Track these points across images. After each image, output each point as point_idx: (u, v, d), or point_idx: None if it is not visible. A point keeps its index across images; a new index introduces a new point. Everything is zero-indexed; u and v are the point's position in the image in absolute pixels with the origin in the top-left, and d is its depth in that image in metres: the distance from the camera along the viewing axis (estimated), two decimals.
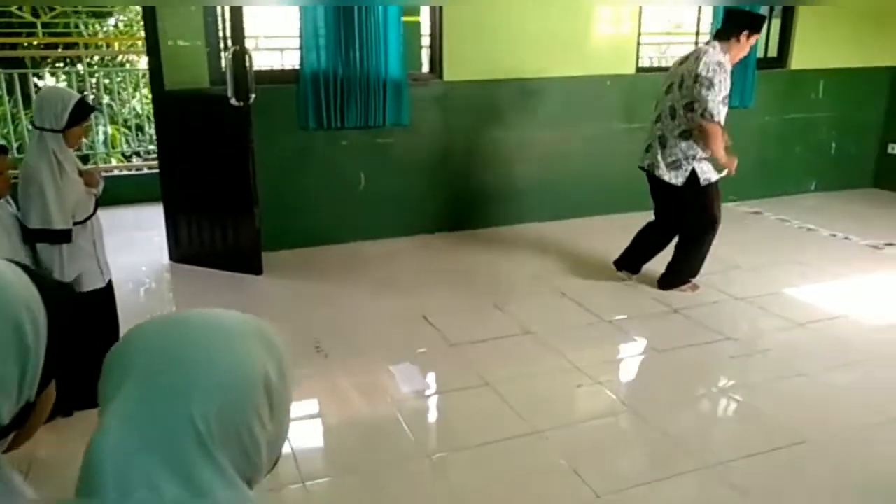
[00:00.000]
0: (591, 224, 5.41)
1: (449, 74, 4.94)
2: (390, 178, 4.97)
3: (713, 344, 3.42)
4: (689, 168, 3.77)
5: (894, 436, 2.59)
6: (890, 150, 6.44)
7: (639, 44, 5.44)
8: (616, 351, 3.33)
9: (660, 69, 5.69)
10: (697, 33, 5.81)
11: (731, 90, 3.69)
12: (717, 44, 3.72)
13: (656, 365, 3.23)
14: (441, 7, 4.82)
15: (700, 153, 3.77)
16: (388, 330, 3.56)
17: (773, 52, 6.04)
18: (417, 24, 5.18)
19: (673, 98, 3.78)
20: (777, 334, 3.51)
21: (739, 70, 5.59)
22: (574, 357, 3.20)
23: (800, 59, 6.02)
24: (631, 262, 4.21)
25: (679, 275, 4.03)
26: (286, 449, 2.53)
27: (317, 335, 3.44)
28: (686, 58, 3.83)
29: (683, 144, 3.75)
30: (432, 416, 2.81)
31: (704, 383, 3.00)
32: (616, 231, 5.15)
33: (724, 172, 3.88)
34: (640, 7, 5.35)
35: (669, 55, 7.52)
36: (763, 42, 5.96)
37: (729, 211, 5.82)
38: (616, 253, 4.23)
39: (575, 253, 4.71)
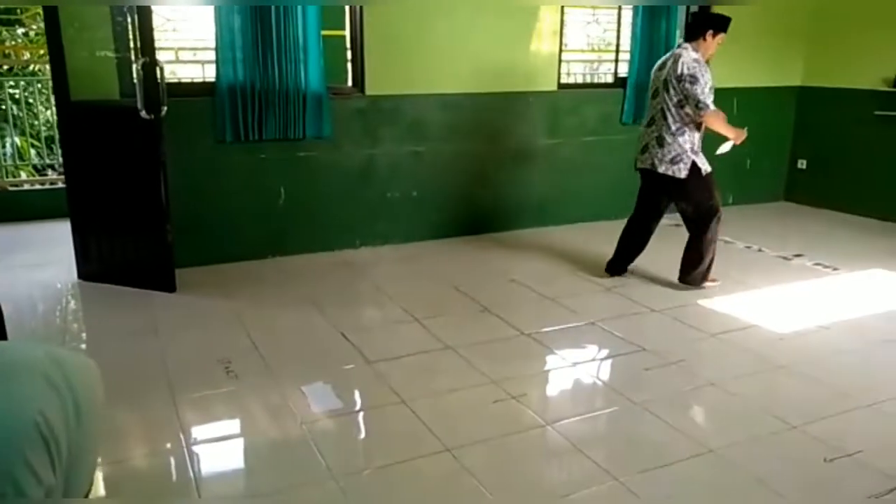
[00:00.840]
0: (514, 238, 5.45)
1: (371, 88, 4.90)
2: (312, 191, 4.88)
3: (630, 356, 3.46)
4: (690, 161, 4.07)
5: (794, 444, 2.65)
6: (799, 165, 6.73)
7: (560, 61, 5.53)
8: (534, 365, 3.33)
9: (583, 85, 5.81)
10: (617, 50, 5.95)
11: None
12: (688, 45, 4.07)
13: (574, 378, 3.24)
14: (362, 22, 4.79)
15: (696, 146, 4.11)
16: (305, 348, 3.47)
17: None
18: (342, 38, 5.14)
19: (661, 101, 4.10)
20: (691, 345, 3.58)
21: None
22: (492, 372, 3.18)
23: (715, 78, 6.21)
24: (622, 264, 4.52)
25: (701, 269, 4.30)
26: (187, 472, 2.42)
27: (228, 355, 3.32)
28: (664, 63, 4.16)
29: (681, 139, 4.06)
30: (343, 437, 2.73)
31: (619, 395, 3.02)
32: (541, 245, 5.24)
33: (729, 145, 4.23)
34: (562, 24, 5.45)
35: (601, 71, 7.68)
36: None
37: None
38: (532, 271, 4.28)
39: (495, 269, 4.72)
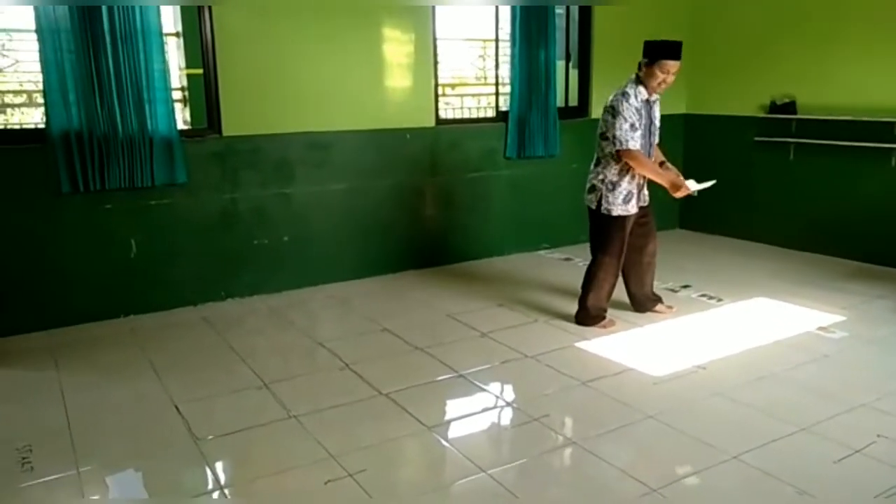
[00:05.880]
0: (397, 282, 5.16)
1: (228, 129, 4.56)
2: (168, 242, 4.49)
3: (491, 413, 3.19)
4: (600, 194, 4.02)
5: None
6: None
7: (437, 95, 5.33)
8: (383, 431, 3.00)
9: (463, 121, 5.63)
10: (497, 83, 5.80)
11: (641, 122, 3.91)
12: (631, 77, 3.97)
13: (424, 445, 2.93)
14: (215, 59, 4.47)
15: (609, 179, 3.99)
16: (126, 426, 3.06)
17: (573, 102, 6.15)
18: (201, 76, 4.80)
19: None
20: (558, 396, 3.33)
21: (541, 120, 5.65)
22: (333, 444, 2.85)
23: (599, 108, 6.13)
24: (640, 301, 4.39)
25: (585, 306, 4.18)
26: None
27: (31, 440, 2.89)
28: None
29: (599, 170, 4.04)
30: None
31: (470, 464, 2.73)
32: (423, 288, 4.97)
33: (708, 183, 4.18)
34: (436, 60, 5.25)
35: (486, 104, 7.55)
36: (563, 92, 6.06)
37: (540, 259, 5.83)
38: (410, 318, 3.99)
39: (368, 317, 4.42)
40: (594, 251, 4.17)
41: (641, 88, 3.94)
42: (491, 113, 5.78)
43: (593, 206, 4.07)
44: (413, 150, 5.27)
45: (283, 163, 4.78)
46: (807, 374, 3.61)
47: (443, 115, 5.53)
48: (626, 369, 3.60)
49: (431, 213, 5.43)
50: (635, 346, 3.89)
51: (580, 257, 5.81)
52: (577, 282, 5.09)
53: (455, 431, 3.03)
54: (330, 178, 4.95)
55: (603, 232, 4.09)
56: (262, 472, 2.69)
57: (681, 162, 6.58)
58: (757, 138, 5.88)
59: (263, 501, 2.52)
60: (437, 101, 5.31)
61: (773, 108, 5.87)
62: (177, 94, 5.94)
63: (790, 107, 5.77)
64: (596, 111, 6.12)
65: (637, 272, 4.34)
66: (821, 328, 4.11)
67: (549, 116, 5.68)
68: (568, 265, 5.62)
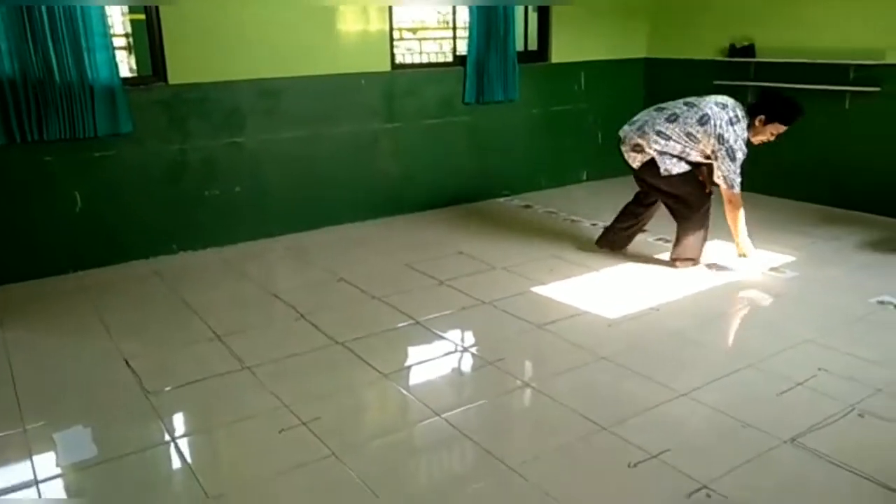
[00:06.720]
0: (352, 231, 5.10)
1: (174, 76, 4.39)
2: (115, 194, 4.35)
3: (448, 358, 3.20)
4: (651, 158, 4.05)
5: (600, 451, 2.45)
6: None
7: (392, 39, 5.18)
8: (338, 380, 2.99)
9: (420, 65, 5.50)
10: (454, 27, 5.66)
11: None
12: (741, 107, 3.97)
13: (379, 392, 2.93)
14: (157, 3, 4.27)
15: (672, 160, 4.03)
16: (75, 382, 3.00)
17: (533, 46, 6.04)
18: (144, 22, 4.58)
19: (685, 116, 3.99)
20: (514, 340, 3.35)
21: (500, 64, 5.55)
22: (287, 393, 2.84)
23: (559, 53, 6.07)
24: (619, 241, 4.50)
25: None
26: None
27: None
28: (714, 101, 4.01)
29: (663, 142, 4.00)
30: (91, 494, 2.31)
31: (426, 409, 2.74)
32: (379, 238, 4.91)
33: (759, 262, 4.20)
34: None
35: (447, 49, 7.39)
36: (523, 36, 5.96)
37: (501, 206, 5.80)
38: (365, 268, 3.95)
39: (325, 268, 4.37)
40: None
41: (749, 135, 3.93)
42: (449, 58, 5.65)
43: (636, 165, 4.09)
44: (368, 96, 5.14)
45: (233, 111, 4.63)
46: (756, 313, 3.68)
47: (401, 59, 5.38)
48: (581, 312, 3.62)
49: (389, 161, 5.34)
50: (591, 290, 3.91)
51: (540, 204, 5.81)
52: (537, 229, 5.11)
53: (411, 378, 3.03)
54: (282, 126, 4.82)
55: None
56: (214, 424, 2.67)
57: (641, 108, 6.55)
58: (716, 82, 5.85)
59: (215, 452, 2.51)
60: (392, 45, 5.17)
61: (733, 51, 5.85)
62: (121, 42, 5.70)
63: (749, 50, 5.76)
64: (556, 55, 6.05)
65: (642, 224, 4.45)
66: (772, 269, 4.18)
67: (507, 60, 5.58)
68: (528, 212, 5.60)
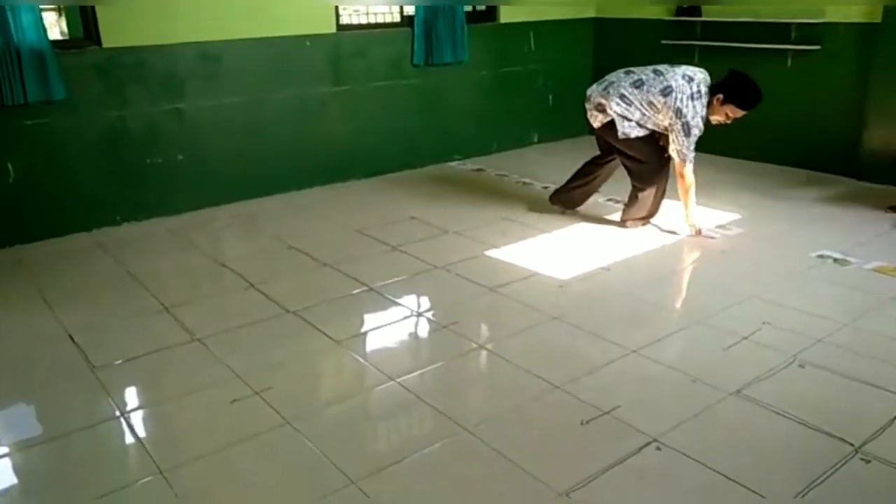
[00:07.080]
0: (301, 199, 5.01)
1: (108, 40, 4.20)
2: (51, 164, 4.17)
3: (402, 323, 3.19)
4: (611, 120, 4.06)
5: (553, 409, 2.49)
6: None
7: None
8: (290, 349, 2.96)
9: (366, 26, 5.37)
10: None
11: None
12: (705, 81, 3.90)
13: (333, 359, 2.91)
14: None
15: (631, 124, 4.03)
16: (15, 359, 2.90)
17: (481, 6, 5.95)
18: None
19: (646, 85, 3.95)
20: (467, 303, 3.36)
21: (448, 25, 5.47)
22: (239, 364, 2.79)
23: (508, 13, 6.00)
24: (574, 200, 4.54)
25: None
26: None
27: None
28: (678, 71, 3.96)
29: (625, 106, 4.00)
30: (36, 472, 2.25)
31: (380, 374, 2.73)
32: (327, 205, 4.84)
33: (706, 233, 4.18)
34: None
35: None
36: None
37: (452, 170, 5.77)
38: (314, 235, 3.88)
39: (275, 236, 4.29)
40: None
41: (706, 104, 3.86)
42: (397, 18, 5.53)
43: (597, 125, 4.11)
44: (314, 58, 5.02)
45: (172, 76, 4.46)
46: (704, 270, 3.77)
47: (347, 21, 5.25)
48: (533, 274, 3.65)
49: (337, 125, 5.24)
50: (542, 252, 3.94)
51: (491, 167, 5.80)
52: (488, 192, 5.11)
53: (366, 344, 3.02)
54: (224, 91, 4.67)
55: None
56: (165, 396, 2.62)
57: (591, 67, 6.57)
58: (664, 41, 5.89)
59: (167, 425, 2.46)
60: (336, 6, 5.03)
61: (679, 11, 5.88)
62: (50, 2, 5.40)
63: (695, 10, 5.79)
64: (505, 15, 5.98)
65: (597, 183, 4.46)
66: (719, 226, 4.27)
67: (456, 21, 5.50)
68: (479, 175, 5.59)
